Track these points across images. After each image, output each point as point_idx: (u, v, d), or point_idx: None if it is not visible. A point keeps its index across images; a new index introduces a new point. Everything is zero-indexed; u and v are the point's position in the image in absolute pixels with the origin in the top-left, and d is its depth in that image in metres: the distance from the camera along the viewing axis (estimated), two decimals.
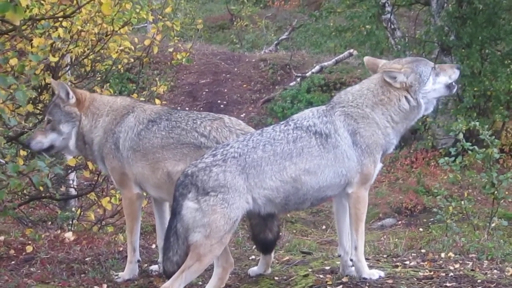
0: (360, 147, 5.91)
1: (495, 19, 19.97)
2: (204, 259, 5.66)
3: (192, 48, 11.07)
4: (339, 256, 6.33)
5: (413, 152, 20.77)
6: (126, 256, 7.03)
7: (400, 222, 16.48)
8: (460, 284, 6.03)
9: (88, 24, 9.59)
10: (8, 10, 4.96)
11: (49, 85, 9.01)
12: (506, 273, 6.38)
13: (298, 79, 25.07)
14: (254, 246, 7.23)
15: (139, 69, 14.02)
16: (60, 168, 6.63)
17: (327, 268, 6.64)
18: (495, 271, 6.51)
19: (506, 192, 10.65)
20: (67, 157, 8.67)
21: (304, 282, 6.24)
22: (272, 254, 6.73)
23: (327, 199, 6.19)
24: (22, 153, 9.21)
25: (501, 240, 8.44)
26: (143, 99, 10.50)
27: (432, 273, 6.33)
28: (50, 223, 11.96)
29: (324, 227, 15.43)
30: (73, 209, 11.31)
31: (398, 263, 6.79)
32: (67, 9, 8.12)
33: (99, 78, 10.95)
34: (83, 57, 10.18)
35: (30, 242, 8.09)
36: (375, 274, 6.11)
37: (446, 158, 10.78)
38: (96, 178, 10.65)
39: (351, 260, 6.13)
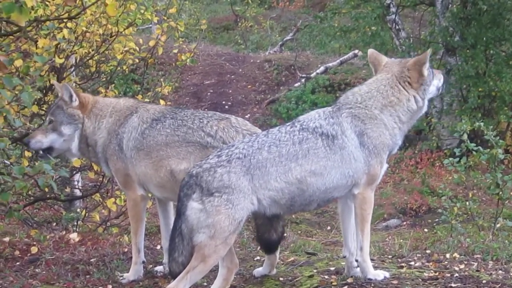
0: (368, 148, 5.91)
1: (499, 20, 19.94)
2: (208, 260, 5.66)
3: (197, 49, 11.10)
4: (344, 257, 6.34)
5: (418, 153, 20.76)
6: (131, 257, 7.03)
7: (405, 223, 16.46)
8: (465, 285, 6.03)
9: (93, 25, 9.60)
10: (14, 11, 4.98)
11: (54, 86, 9.02)
12: (511, 274, 6.38)
13: (303, 80, 25.08)
14: (259, 246, 7.23)
15: (143, 70, 13.99)
16: (65, 170, 6.64)
17: (332, 269, 6.64)
18: (500, 271, 6.51)
19: (511, 193, 10.62)
20: (72, 159, 8.68)
21: (309, 283, 6.25)
22: (277, 255, 6.73)
23: (333, 200, 6.19)
24: (27, 154, 9.22)
25: (506, 241, 8.41)
26: (148, 100, 10.51)
27: (437, 273, 6.33)
28: (55, 224, 11.97)
29: (329, 228, 15.42)
30: (78, 210, 11.32)
31: (403, 264, 6.79)
32: (72, 10, 8.13)
33: (104, 79, 10.98)
34: (88, 58, 10.19)
35: (35, 243, 8.11)
36: (380, 274, 6.11)
37: (451, 158, 10.76)
38: (101, 179, 10.67)
39: (357, 260, 6.13)
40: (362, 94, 6.10)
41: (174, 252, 5.78)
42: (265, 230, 6.48)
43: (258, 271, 6.68)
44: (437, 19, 21.30)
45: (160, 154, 6.57)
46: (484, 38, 19.86)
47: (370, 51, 6.45)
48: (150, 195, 6.97)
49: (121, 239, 8.85)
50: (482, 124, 10.38)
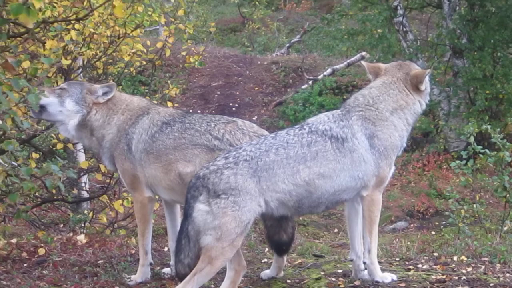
0: (378, 150, 5.92)
1: (507, 22, 19.90)
2: (215, 262, 5.66)
3: (204, 51, 11.08)
4: (351, 260, 6.35)
5: (425, 155, 20.76)
6: (138, 259, 7.03)
7: (412, 225, 16.47)
8: None
9: (101, 27, 9.61)
10: (22, 12, 4.99)
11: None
12: None
13: (310, 82, 25.08)
14: (268, 248, 7.22)
15: (151, 72, 14.05)
16: (73, 171, 6.63)
17: (340, 271, 6.64)
18: (508, 274, 6.50)
19: None
20: (79, 159, 8.69)
21: (317, 285, 6.24)
22: (285, 257, 6.73)
23: (341, 203, 6.19)
24: (35, 155, 9.22)
25: None
26: (155, 101, 10.52)
27: (444, 276, 6.32)
28: (62, 225, 12.00)
29: (336, 230, 15.43)
30: (85, 211, 11.32)
31: (410, 267, 6.79)
32: (80, 12, 8.13)
33: (111, 81, 10.97)
34: (95, 59, 10.21)
35: (42, 244, 8.12)
36: (387, 277, 6.11)
37: (458, 161, 10.74)
38: (108, 180, 10.68)
39: (364, 263, 6.13)
40: (374, 97, 6.12)
41: (180, 254, 5.77)
42: (275, 232, 6.47)
43: (266, 273, 6.67)
44: (445, 21, 21.29)
45: (169, 158, 6.57)
46: (492, 40, 19.84)
47: (365, 64, 6.51)
48: (157, 197, 6.97)
49: (128, 241, 8.86)
50: (489, 126, 10.36)
